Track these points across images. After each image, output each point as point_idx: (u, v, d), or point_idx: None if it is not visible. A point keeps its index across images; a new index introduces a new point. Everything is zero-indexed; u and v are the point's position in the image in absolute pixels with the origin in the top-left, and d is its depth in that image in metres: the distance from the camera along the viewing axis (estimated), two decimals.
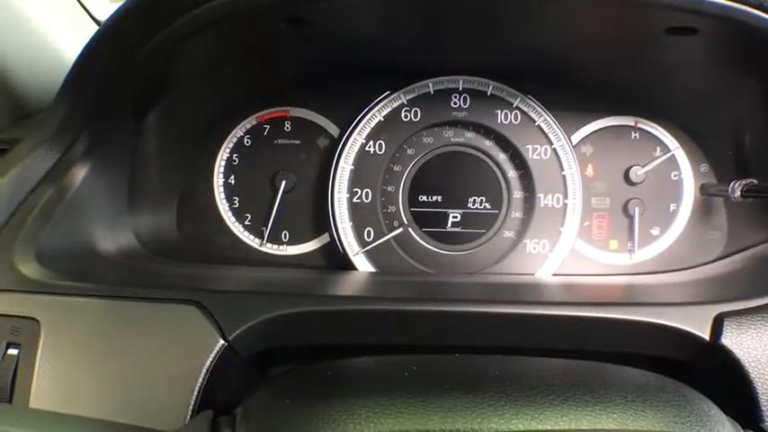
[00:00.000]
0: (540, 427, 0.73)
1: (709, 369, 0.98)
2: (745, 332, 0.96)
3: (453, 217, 1.40)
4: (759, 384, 0.93)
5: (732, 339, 0.96)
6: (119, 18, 1.03)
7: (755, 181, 1.26)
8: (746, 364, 0.94)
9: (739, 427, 0.82)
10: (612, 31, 1.14)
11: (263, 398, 0.84)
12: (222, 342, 0.95)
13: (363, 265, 1.38)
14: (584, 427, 0.73)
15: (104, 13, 1.46)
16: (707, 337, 0.97)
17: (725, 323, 0.97)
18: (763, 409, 0.92)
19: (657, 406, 0.78)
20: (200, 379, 0.92)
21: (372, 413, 0.74)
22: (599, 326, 1.01)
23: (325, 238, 1.43)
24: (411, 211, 1.40)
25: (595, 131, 1.43)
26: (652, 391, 0.83)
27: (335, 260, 1.41)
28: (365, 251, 1.38)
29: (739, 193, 1.28)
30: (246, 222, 1.44)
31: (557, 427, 0.73)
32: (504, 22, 1.15)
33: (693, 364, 1.01)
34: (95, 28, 1.42)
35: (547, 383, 0.80)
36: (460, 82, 1.38)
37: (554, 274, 1.39)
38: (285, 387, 0.85)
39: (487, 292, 1.24)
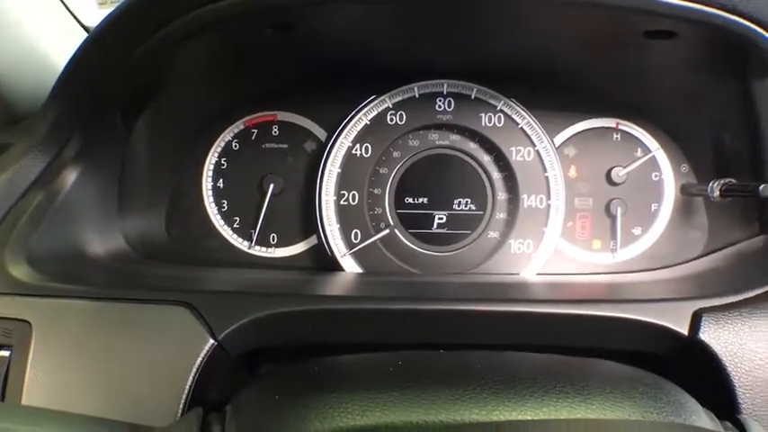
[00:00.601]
0: (520, 417, 0.75)
1: (689, 363, 1.00)
2: (723, 327, 0.99)
3: (439, 218, 1.42)
4: (736, 378, 0.96)
5: (710, 334, 0.99)
6: (108, 24, 1.05)
7: (734, 180, 1.29)
8: (724, 359, 0.97)
9: (715, 417, 0.85)
10: (592, 34, 1.17)
11: (252, 395, 0.86)
12: (212, 341, 0.96)
13: (351, 266, 1.40)
14: (562, 417, 0.75)
15: (93, 20, 1.47)
16: (686, 332, 1.00)
17: (703, 319, 1.00)
18: (740, 401, 0.95)
19: (634, 397, 0.81)
20: (191, 378, 0.94)
21: (359, 407, 0.76)
22: (581, 323, 1.04)
23: (312, 240, 1.45)
24: (397, 213, 1.42)
25: (578, 133, 1.45)
26: (630, 383, 0.85)
27: (323, 262, 1.43)
28: (352, 253, 1.40)
29: (718, 192, 1.30)
30: (235, 225, 1.46)
31: (536, 417, 0.75)
32: (484, 26, 1.17)
33: (673, 358, 1.03)
34: (83, 34, 1.44)
35: (528, 376, 0.82)
36: (445, 86, 1.40)
37: (538, 274, 1.41)
38: (274, 384, 0.87)
39: (473, 291, 1.26)
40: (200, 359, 0.95)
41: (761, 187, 1.20)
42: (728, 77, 1.23)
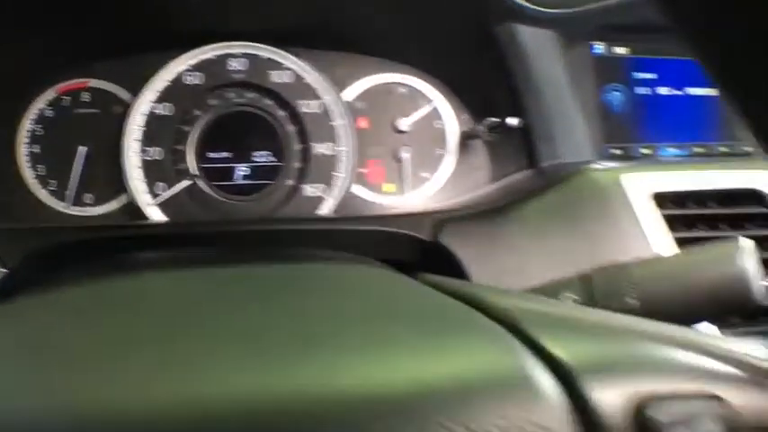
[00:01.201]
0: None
1: (434, 264, 1.15)
2: (462, 232, 1.15)
3: (241, 170, 1.54)
4: (472, 271, 1.11)
5: (450, 238, 1.15)
6: None
7: (495, 119, 1.46)
8: (461, 256, 1.13)
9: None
10: None
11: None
12: (3, 270, 1.06)
13: (158, 216, 1.50)
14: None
15: None
16: (429, 238, 1.16)
17: (444, 226, 1.16)
18: None
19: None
20: None
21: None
22: (347, 237, 1.20)
23: (125, 198, 1.54)
24: (201, 167, 1.53)
25: (368, 88, 1.60)
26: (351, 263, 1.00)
27: (134, 216, 1.52)
28: (158, 204, 1.50)
29: (486, 132, 1.48)
30: (51, 188, 1.53)
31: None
32: None
33: (423, 262, 1.18)
34: None
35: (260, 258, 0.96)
36: (239, 47, 1.53)
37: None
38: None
39: (261, 221, 1.40)
40: None
41: (508, 120, 1.38)
42: (478, 26, 1.41)
